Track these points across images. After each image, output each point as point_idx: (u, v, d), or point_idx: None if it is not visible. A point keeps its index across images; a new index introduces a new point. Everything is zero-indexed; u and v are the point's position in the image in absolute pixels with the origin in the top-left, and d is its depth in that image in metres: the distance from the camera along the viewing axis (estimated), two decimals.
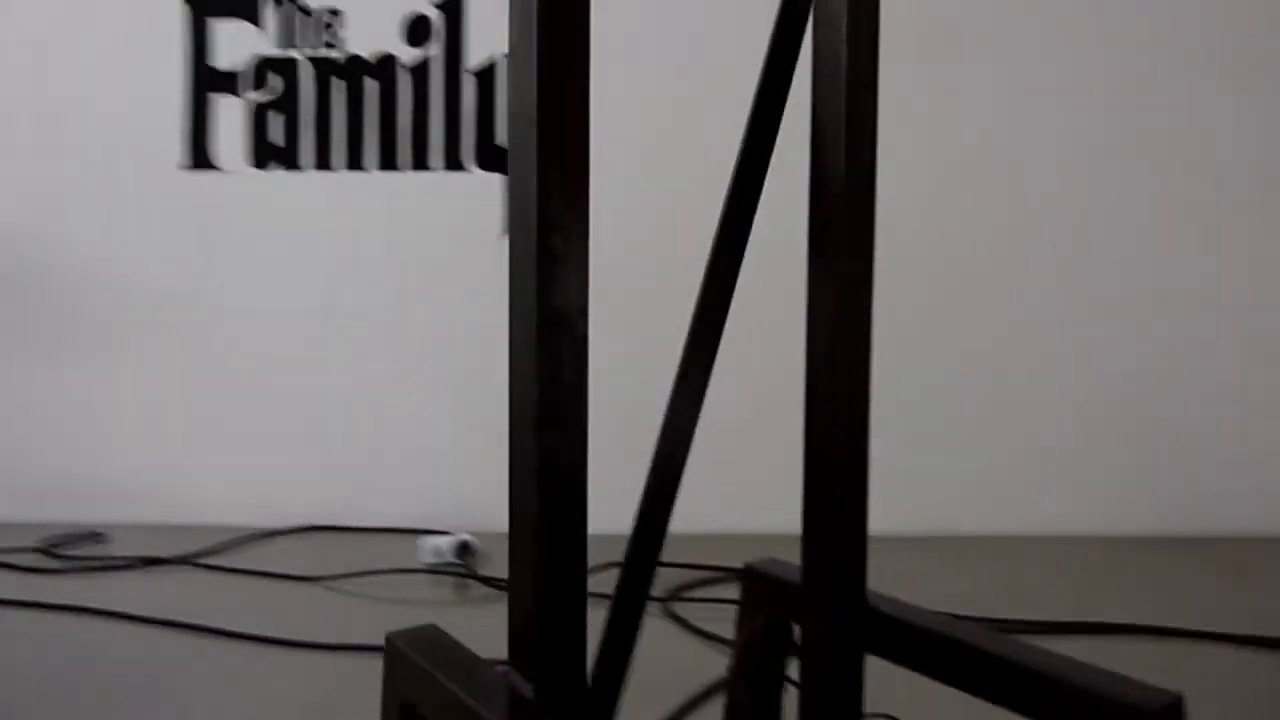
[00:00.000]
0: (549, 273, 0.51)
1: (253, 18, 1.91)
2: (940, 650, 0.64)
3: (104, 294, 1.95)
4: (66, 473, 1.95)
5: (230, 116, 1.92)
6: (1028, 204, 1.93)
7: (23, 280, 1.95)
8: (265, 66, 1.92)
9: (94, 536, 1.83)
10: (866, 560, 0.69)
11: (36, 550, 1.73)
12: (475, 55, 1.93)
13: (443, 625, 0.69)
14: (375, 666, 0.69)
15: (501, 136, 1.94)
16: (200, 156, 1.92)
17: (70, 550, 1.75)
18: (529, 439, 0.53)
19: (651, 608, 1.52)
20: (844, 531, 0.67)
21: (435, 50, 1.93)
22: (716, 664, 0.83)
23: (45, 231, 1.95)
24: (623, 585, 0.67)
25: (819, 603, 0.68)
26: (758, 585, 0.80)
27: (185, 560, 1.71)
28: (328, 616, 1.47)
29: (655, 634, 1.35)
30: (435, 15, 1.91)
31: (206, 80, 1.91)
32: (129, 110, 1.92)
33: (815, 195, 0.67)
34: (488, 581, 1.62)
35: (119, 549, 1.77)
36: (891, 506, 1.88)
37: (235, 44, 1.91)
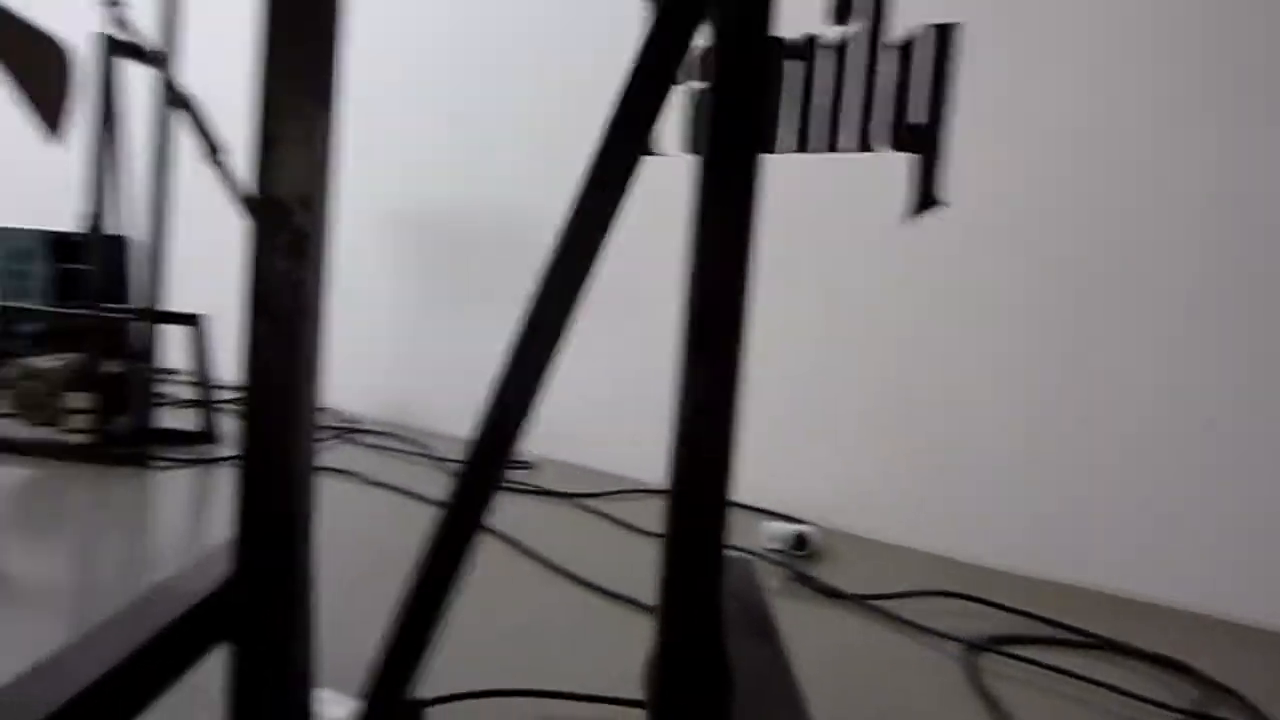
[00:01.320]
0: (267, 157, 0.50)
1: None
2: None
3: None
4: None
5: (673, 103, 2.08)
6: None
7: (509, 246, 2.36)
8: (707, 55, 2.03)
9: (523, 464, 2.15)
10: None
11: None
12: (899, 30, 1.80)
13: None
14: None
15: (917, 114, 1.79)
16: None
17: None
18: (243, 326, 0.53)
19: (948, 659, 1.32)
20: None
21: (858, 27, 1.85)
22: None
23: (528, 204, 2.34)
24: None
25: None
26: None
27: (572, 496, 1.92)
28: (636, 568, 1.54)
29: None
30: None
31: None
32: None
33: None
34: (809, 582, 1.53)
35: (535, 477, 2.06)
36: None
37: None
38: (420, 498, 1.83)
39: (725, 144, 0.51)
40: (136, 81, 2.09)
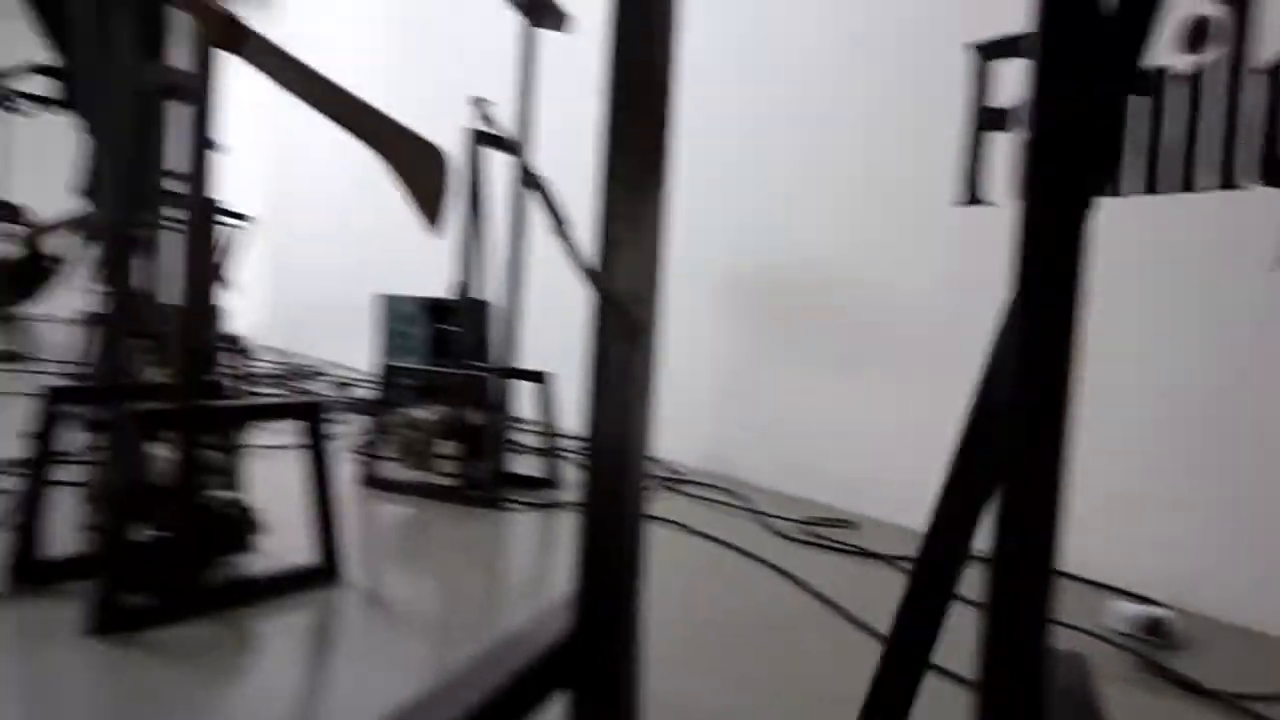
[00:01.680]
0: (606, 258, 0.56)
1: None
2: None
3: (886, 313, 2.23)
4: (838, 462, 2.30)
5: (1001, 153, 1.99)
6: None
7: (831, 307, 2.36)
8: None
9: (845, 523, 2.13)
10: None
11: (795, 521, 2.11)
12: (1268, 51, 1.61)
13: None
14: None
15: None
16: (971, 192, 2.04)
17: (817, 529, 2.08)
18: (586, 412, 0.59)
19: None
20: None
21: (1215, 54, 1.67)
22: None
23: (849, 267, 2.33)
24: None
25: None
26: None
27: (892, 559, 1.87)
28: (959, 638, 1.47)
29: None
30: (1220, 12, 1.66)
31: (984, 120, 2.01)
32: (918, 152, 2.16)
33: None
34: (1166, 674, 1.38)
35: (855, 537, 2.03)
36: None
37: (1011, 83, 1.97)
38: (739, 550, 1.88)
39: (1046, 189, 0.49)
40: (497, 167, 2.37)
